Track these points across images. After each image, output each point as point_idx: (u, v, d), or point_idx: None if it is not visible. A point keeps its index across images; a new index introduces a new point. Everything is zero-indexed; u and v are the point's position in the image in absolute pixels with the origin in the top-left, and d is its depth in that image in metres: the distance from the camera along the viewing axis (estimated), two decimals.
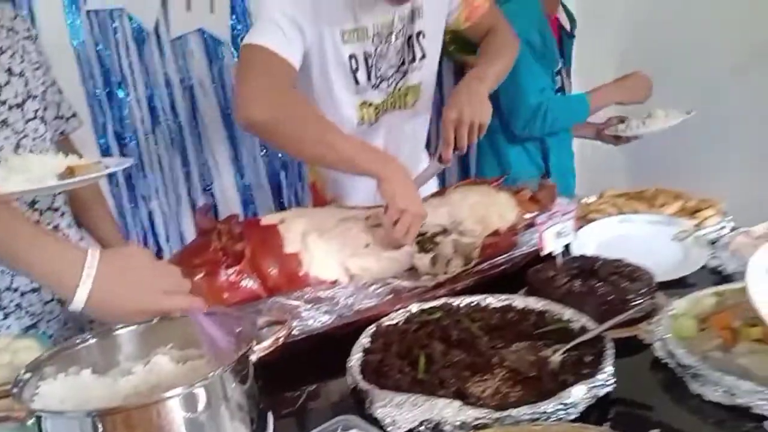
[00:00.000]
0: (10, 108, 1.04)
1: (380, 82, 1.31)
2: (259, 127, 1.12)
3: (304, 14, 1.15)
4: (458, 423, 0.67)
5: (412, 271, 1.11)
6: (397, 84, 1.34)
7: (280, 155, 1.96)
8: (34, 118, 1.09)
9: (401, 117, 1.39)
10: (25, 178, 0.83)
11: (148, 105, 1.75)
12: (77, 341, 0.75)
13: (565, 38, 1.87)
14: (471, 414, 0.67)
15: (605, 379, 0.71)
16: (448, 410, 0.68)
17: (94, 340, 0.76)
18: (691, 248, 1.10)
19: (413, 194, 1.10)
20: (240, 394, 0.65)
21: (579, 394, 0.68)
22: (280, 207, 1.98)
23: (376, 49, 1.27)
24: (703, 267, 1.04)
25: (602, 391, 0.70)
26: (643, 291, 0.89)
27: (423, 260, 1.11)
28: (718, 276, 1.02)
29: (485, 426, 0.65)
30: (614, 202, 1.33)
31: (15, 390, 0.62)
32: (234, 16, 1.79)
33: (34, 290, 1.08)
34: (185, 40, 1.75)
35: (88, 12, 1.61)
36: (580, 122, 1.85)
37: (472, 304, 0.94)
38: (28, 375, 0.66)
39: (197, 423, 0.61)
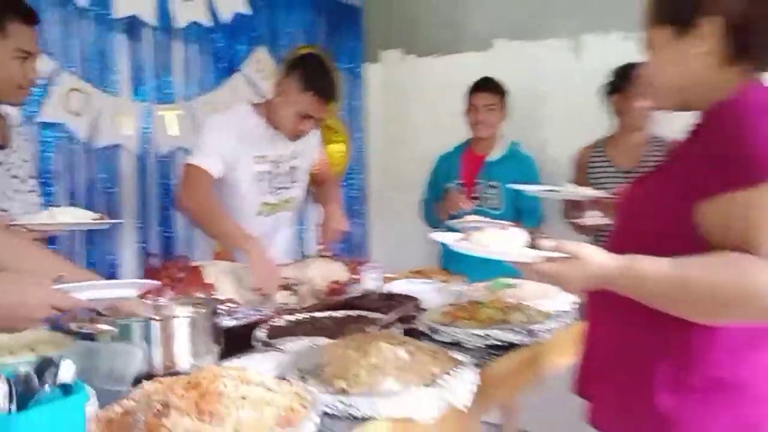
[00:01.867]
0: (21, 181, 1.56)
1: (276, 190, 2.09)
2: (184, 212, 1.93)
3: (228, 145, 1.94)
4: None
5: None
6: (284, 194, 2.14)
7: None
8: (32, 191, 1.60)
9: (283, 215, 2.19)
10: (69, 218, 1.36)
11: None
12: None
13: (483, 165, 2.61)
14: (327, 340, 1.34)
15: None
16: (320, 340, 1.34)
17: None
18: (445, 294, 1.92)
19: (268, 263, 1.78)
20: (213, 325, 1.25)
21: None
22: None
23: (271, 170, 2.05)
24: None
25: None
26: (411, 303, 1.67)
27: (290, 299, 1.78)
28: None
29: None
30: (407, 275, 2.15)
31: None
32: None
33: None
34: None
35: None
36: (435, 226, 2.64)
37: (325, 314, 1.63)
38: None
39: (196, 334, 1.20)
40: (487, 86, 2.55)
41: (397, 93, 3.30)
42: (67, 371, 0.74)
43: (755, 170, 0.86)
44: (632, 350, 1.03)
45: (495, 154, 2.61)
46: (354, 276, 1.96)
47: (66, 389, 0.75)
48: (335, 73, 2.07)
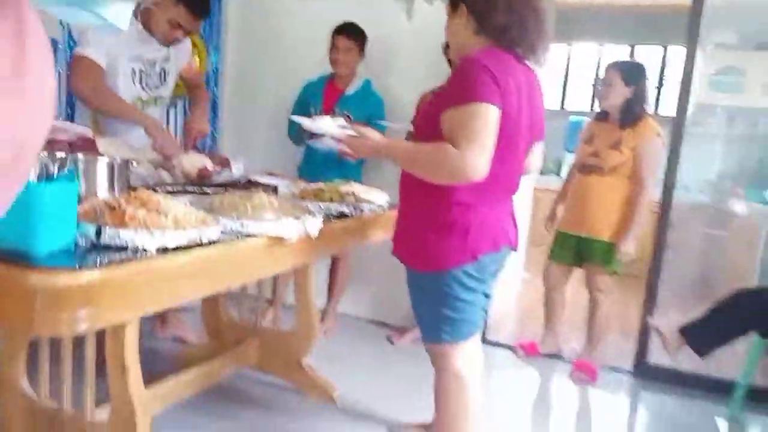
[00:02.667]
0: None
1: (147, 89, 2.37)
2: (80, 95, 2.17)
3: (109, 42, 2.20)
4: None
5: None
6: (154, 92, 2.43)
7: None
8: None
9: (154, 110, 2.48)
10: None
11: None
12: None
13: (340, 97, 3.00)
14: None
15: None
16: (205, 197, 1.77)
17: None
18: (294, 187, 2.43)
19: (167, 132, 2.20)
20: (125, 172, 1.62)
21: None
22: None
23: (144, 69, 2.33)
24: None
25: None
26: (270, 187, 2.15)
27: (166, 178, 2.15)
28: None
29: None
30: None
31: None
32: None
33: None
34: None
35: None
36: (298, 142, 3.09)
37: (198, 188, 2.04)
38: None
39: (112, 174, 1.56)
40: (347, 30, 2.91)
41: (256, 20, 3.62)
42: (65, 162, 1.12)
43: (461, 97, 1.48)
44: (412, 208, 1.67)
45: (350, 90, 3.01)
46: (219, 166, 2.38)
47: (69, 177, 1.12)
48: None
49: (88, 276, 1.07)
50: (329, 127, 1.71)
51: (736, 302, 2.43)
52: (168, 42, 2.35)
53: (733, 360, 2.78)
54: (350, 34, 2.95)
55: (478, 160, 1.44)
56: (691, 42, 2.80)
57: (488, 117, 1.46)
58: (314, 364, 2.44)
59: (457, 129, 1.46)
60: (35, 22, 0.41)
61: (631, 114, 2.79)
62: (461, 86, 1.49)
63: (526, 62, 1.64)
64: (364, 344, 3.10)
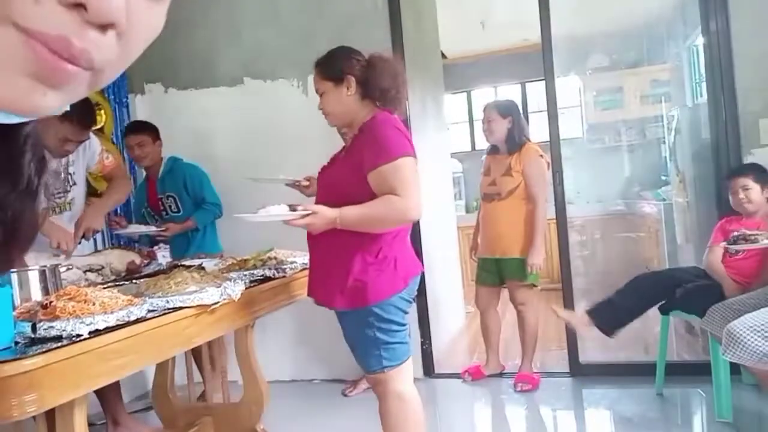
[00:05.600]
0: None
1: (53, 194, 2.48)
2: None
3: None
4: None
5: None
6: (64, 198, 2.55)
7: None
8: None
9: (59, 216, 2.55)
10: None
11: None
12: None
13: (155, 185, 3.25)
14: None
15: None
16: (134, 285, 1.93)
17: None
18: (221, 265, 2.60)
19: (61, 227, 2.37)
20: (57, 275, 1.76)
21: None
22: None
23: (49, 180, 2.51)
24: None
25: None
26: (196, 266, 2.33)
27: (96, 279, 2.28)
28: None
29: None
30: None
31: None
32: None
33: None
34: None
35: None
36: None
37: (128, 282, 2.18)
38: None
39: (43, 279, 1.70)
40: (132, 128, 3.14)
41: (161, 121, 3.84)
42: None
43: (385, 155, 1.75)
44: (340, 251, 1.84)
45: (159, 175, 3.15)
46: (146, 259, 2.53)
47: (1, 284, 1.28)
48: (89, 102, 2.61)
49: (30, 363, 1.21)
50: (281, 213, 1.77)
51: (635, 285, 2.73)
52: (60, 155, 2.44)
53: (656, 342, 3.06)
54: (136, 129, 3.13)
55: (418, 201, 1.76)
56: (549, 73, 3.22)
57: (412, 166, 1.77)
58: (273, 429, 2.54)
59: (392, 181, 1.73)
60: None
61: (514, 141, 3.15)
62: (379, 146, 1.76)
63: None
64: (319, 402, 3.21)
